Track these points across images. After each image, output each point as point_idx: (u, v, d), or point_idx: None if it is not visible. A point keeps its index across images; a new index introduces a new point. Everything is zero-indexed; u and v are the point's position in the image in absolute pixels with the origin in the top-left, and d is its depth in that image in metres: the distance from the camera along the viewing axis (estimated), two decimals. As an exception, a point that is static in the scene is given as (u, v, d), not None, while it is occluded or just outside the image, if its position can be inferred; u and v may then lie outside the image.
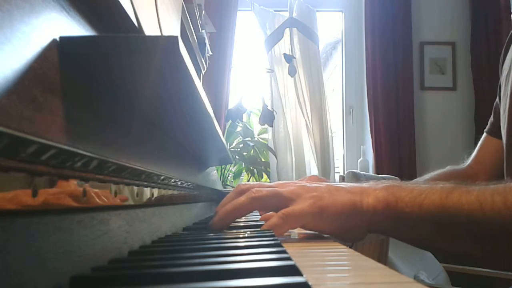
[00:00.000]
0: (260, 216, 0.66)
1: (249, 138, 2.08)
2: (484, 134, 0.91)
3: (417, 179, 0.86)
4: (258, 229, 0.52)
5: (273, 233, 0.47)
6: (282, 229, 0.50)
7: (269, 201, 0.52)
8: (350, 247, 0.41)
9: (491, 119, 0.90)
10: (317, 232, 0.53)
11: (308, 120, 2.23)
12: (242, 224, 0.67)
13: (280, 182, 0.57)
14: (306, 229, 0.53)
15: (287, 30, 2.27)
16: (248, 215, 0.55)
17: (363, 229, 0.51)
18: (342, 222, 0.50)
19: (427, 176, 0.87)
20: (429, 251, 1.56)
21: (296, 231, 0.57)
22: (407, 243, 0.53)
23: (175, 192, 0.56)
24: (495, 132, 0.86)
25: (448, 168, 0.91)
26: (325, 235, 0.53)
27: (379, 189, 0.51)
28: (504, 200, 0.44)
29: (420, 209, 0.47)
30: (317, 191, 0.51)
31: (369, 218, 0.50)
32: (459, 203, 0.45)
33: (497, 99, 0.87)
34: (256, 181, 2.16)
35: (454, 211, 0.45)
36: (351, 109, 2.51)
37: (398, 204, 0.49)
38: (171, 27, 0.66)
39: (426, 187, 0.49)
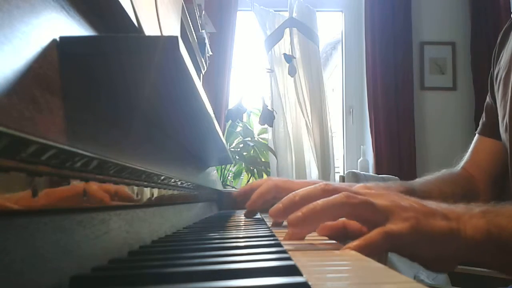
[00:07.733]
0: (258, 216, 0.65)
1: (249, 138, 2.08)
2: (476, 135, 0.87)
3: (417, 179, 0.84)
4: (264, 229, 0.51)
5: (273, 233, 0.46)
6: (379, 250, 0.43)
7: (361, 211, 0.44)
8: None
9: (483, 119, 0.86)
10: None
11: (308, 120, 2.23)
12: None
13: (363, 185, 0.51)
14: (393, 252, 0.47)
15: (287, 30, 2.27)
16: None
17: (457, 259, 0.47)
18: (437, 250, 0.45)
19: (423, 179, 0.83)
20: None
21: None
22: (508, 276, 0.48)
23: (175, 192, 0.56)
24: (488, 132, 0.82)
25: (444, 171, 0.87)
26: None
27: (476, 216, 0.46)
28: None
29: None
30: (413, 212, 0.45)
31: (467, 249, 0.46)
32: None
33: (488, 99, 0.83)
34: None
35: None
36: (351, 109, 2.51)
37: (502, 236, 0.45)
38: (171, 27, 0.66)
39: None
